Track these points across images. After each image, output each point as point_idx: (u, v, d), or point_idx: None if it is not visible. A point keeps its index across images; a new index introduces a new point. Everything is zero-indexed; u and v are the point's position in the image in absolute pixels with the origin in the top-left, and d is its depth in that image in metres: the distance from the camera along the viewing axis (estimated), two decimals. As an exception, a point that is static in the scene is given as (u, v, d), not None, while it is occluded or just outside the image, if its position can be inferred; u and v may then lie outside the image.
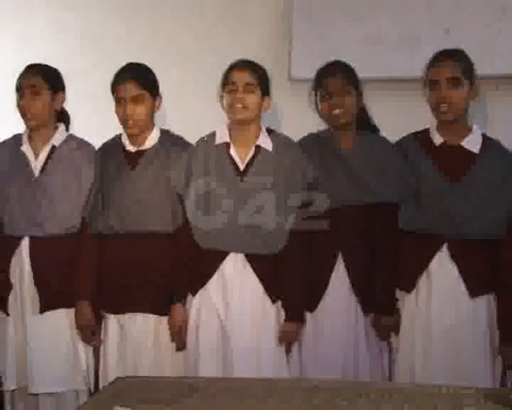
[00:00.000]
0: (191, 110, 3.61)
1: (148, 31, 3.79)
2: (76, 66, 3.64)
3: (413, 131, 3.10)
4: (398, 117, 3.42)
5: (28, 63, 3.12)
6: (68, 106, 3.22)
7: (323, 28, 3.59)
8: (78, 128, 3.29)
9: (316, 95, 3.06)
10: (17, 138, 3.16)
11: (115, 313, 3.05)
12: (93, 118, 3.62)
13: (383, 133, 3.17)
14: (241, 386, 2.41)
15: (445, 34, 3.46)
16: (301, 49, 3.60)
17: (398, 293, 3.02)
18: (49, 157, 3.10)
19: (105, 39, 3.79)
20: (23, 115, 3.07)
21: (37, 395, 3.11)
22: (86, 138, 3.20)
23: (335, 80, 2.99)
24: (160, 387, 2.43)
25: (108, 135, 3.18)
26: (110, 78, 3.04)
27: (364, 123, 3.11)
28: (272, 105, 3.32)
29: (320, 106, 3.04)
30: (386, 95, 3.44)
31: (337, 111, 2.98)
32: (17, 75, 3.11)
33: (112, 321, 3.07)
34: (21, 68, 3.12)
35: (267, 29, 3.69)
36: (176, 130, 3.17)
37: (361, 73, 3.08)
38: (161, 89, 3.09)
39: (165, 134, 3.12)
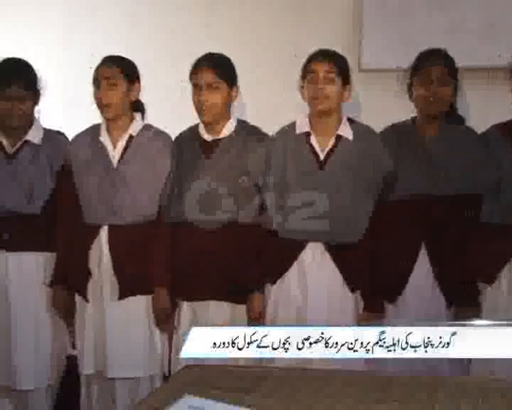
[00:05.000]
0: (266, 100, 3.59)
1: (223, 22, 3.79)
2: (151, 57, 3.71)
3: (496, 121, 3.04)
4: (482, 107, 3.35)
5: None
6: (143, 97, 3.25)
7: (395, 17, 3.55)
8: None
9: (411, 78, 3.02)
10: (95, 128, 3.19)
11: (189, 300, 3.08)
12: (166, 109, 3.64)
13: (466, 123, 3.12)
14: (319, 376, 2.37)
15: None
16: (372, 38, 3.56)
17: (480, 285, 2.98)
18: (126, 147, 3.13)
19: (183, 31, 3.80)
20: (100, 107, 3.09)
21: (113, 379, 3.16)
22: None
23: (438, 69, 2.96)
24: (234, 375, 2.38)
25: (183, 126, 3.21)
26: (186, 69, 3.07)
27: (450, 113, 3.06)
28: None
29: (416, 92, 3.00)
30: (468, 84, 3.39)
31: (433, 99, 2.94)
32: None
33: (185, 308, 3.10)
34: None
35: (338, 18, 3.66)
36: (253, 120, 3.18)
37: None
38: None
39: (242, 124, 3.13)
